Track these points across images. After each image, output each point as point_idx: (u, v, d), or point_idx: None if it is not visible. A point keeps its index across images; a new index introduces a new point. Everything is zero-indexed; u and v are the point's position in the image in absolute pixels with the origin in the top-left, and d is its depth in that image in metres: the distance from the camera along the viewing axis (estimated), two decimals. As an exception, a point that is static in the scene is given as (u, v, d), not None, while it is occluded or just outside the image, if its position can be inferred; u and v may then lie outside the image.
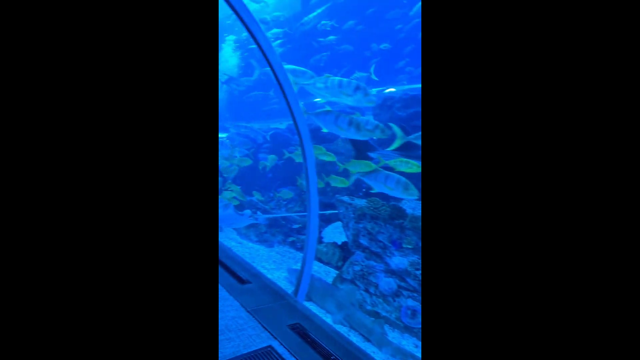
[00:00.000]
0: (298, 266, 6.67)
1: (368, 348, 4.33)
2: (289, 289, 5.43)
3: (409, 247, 5.00)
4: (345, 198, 5.90)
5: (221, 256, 5.09)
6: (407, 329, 4.67)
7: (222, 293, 4.04)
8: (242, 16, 3.34)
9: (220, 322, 3.48)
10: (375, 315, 4.88)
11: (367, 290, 5.22)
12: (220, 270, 4.62)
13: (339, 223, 6.68)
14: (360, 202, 5.60)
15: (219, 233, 7.22)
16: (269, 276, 5.14)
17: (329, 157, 5.73)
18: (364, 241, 5.52)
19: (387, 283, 5.07)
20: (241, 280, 4.40)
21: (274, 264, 6.23)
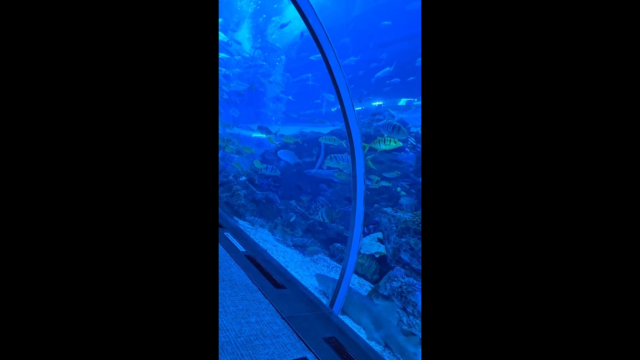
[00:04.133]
0: (329, 273, 6.47)
1: (405, 372, 4.05)
2: (320, 297, 5.24)
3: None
4: (388, 209, 5.65)
5: (257, 258, 5.02)
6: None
7: (258, 295, 3.94)
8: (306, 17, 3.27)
9: (256, 326, 3.36)
10: (411, 335, 4.57)
11: (404, 309, 4.92)
12: (256, 272, 4.54)
13: (377, 234, 6.42)
14: (405, 216, 5.33)
15: (255, 234, 7.20)
16: (304, 283, 4.98)
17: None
18: (405, 257, 5.23)
19: (428, 304, 4.73)
20: (276, 285, 4.29)
21: (307, 271, 6.07)
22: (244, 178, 9.07)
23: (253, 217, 7.69)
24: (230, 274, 4.31)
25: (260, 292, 4.00)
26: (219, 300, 3.58)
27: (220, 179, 8.88)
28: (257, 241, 6.18)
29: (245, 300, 3.74)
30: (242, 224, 7.47)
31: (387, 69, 13.76)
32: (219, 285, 3.92)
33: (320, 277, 5.56)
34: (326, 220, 6.96)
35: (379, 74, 13.62)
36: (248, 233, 6.56)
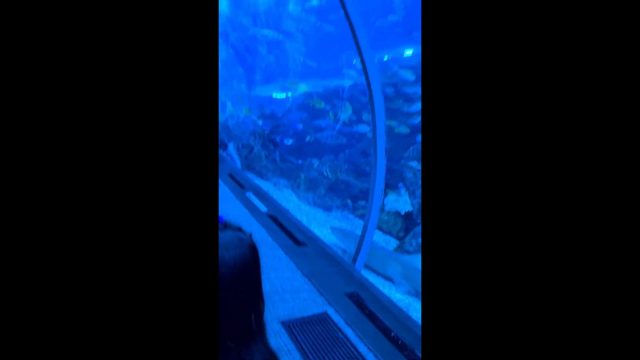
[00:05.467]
0: (342, 225, 6.37)
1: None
2: (342, 255, 5.20)
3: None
4: (414, 163, 5.34)
5: (279, 217, 4.99)
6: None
7: (278, 252, 3.92)
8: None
9: (275, 282, 3.36)
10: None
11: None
12: (277, 230, 4.52)
13: (403, 191, 6.18)
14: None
15: (278, 194, 7.19)
16: (326, 241, 4.93)
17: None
18: (431, 212, 4.98)
19: (456, 260, 4.55)
20: (297, 242, 4.25)
21: (330, 229, 6.02)
22: (290, 141, 8.83)
23: (276, 178, 7.66)
24: (251, 231, 4.31)
25: (280, 250, 3.99)
26: (239, 258, 3.59)
27: (244, 140, 8.83)
28: (279, 201, 6.16)
29: (265, 257, 3.73)
30: (265, 185, 7.47)
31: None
32: (240, 243, 3.94)
33: (342, 233, 5.49)
34: (330, 176, 6.86)
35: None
36: (271, 194, 6.54)
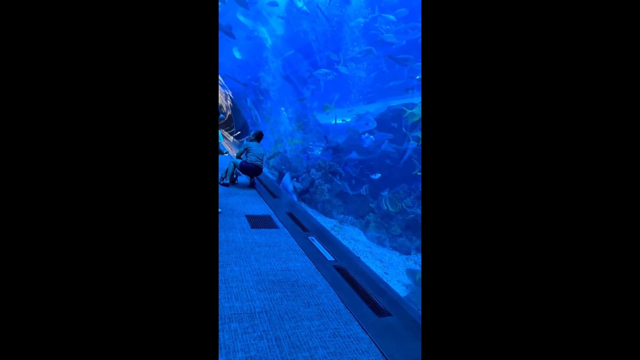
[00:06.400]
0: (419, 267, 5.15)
1: None
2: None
3: None
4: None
5: (349, 270, 4.02)
6: None
7: (354, 327, 2.93)
8: None
9: (355, 384, 2.36)
10: None
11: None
12: (349, 290, 3.54)
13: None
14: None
15: (343, 233, 6.24)
16: (413, 300, 3.81)
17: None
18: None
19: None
20: (378, 310, 3.22)
21: (414, 280, 4.85)
22: (378, 175, 7.96)
23: (341, 215, 6.77)
24: (318, 294, 3.40)
25: (357, 323, 3.00)
26: (303, 338, 2.66)
27: (300, 172, 8.18)
28: (347, 244, 5.21)
29: (339, 337, 2.77)
30: (329, 223, 6.59)
31: None
32: (304, 314, 3.04)
33: (410, 272, 4.32)
34: (391, 209, 5.76)
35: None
36: (336, 234, 5.62)
